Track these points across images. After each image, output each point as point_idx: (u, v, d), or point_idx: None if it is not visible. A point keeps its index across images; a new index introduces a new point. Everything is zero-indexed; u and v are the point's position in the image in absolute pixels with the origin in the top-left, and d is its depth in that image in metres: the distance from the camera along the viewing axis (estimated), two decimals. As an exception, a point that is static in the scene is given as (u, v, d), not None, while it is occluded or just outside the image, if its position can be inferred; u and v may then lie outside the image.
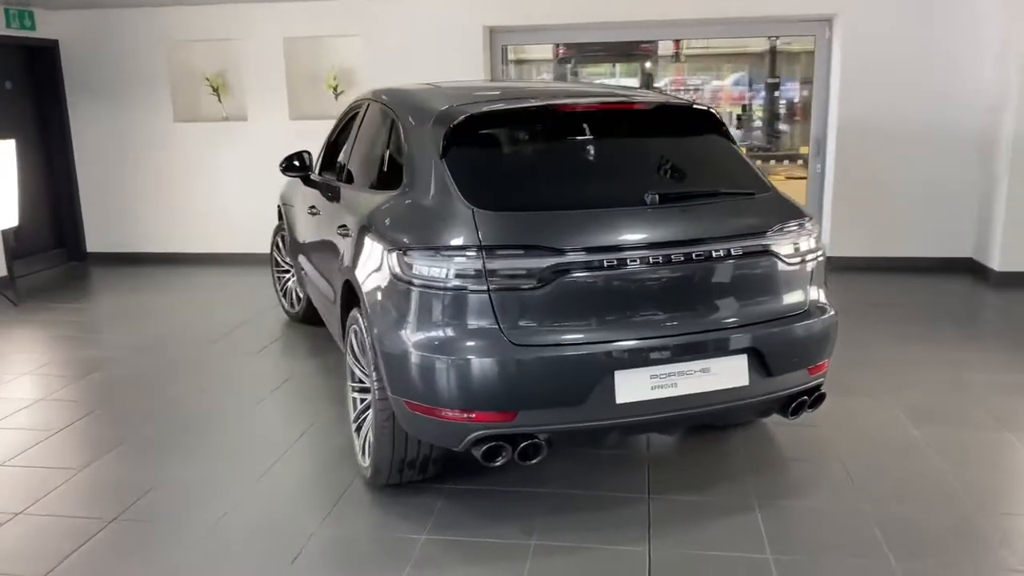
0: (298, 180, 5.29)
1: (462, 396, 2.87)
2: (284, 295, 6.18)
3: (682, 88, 11.00)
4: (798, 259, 3.18)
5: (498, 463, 2.93)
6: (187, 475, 3.67)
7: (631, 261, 2.88)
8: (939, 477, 3.52)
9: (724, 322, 3.02)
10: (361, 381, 3.64)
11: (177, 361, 5.28)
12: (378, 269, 3.16)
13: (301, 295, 5.85)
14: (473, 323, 2.86)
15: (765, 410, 3.23)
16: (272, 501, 3.43)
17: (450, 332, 2.89)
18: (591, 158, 3.30)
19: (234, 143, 8.15)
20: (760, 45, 13.95)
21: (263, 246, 8.06)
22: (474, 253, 2.85)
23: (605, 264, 2.87)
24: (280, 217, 6.17)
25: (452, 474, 3.54)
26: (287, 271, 6.13)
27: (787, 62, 15.14)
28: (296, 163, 5.05)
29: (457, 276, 2.86)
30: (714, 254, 2.98)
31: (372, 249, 3.26)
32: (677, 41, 14.97)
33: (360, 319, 3.37)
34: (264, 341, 5.66)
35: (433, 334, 2.92)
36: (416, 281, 2.94)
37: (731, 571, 2.88)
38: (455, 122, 3.24)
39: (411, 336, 2.96)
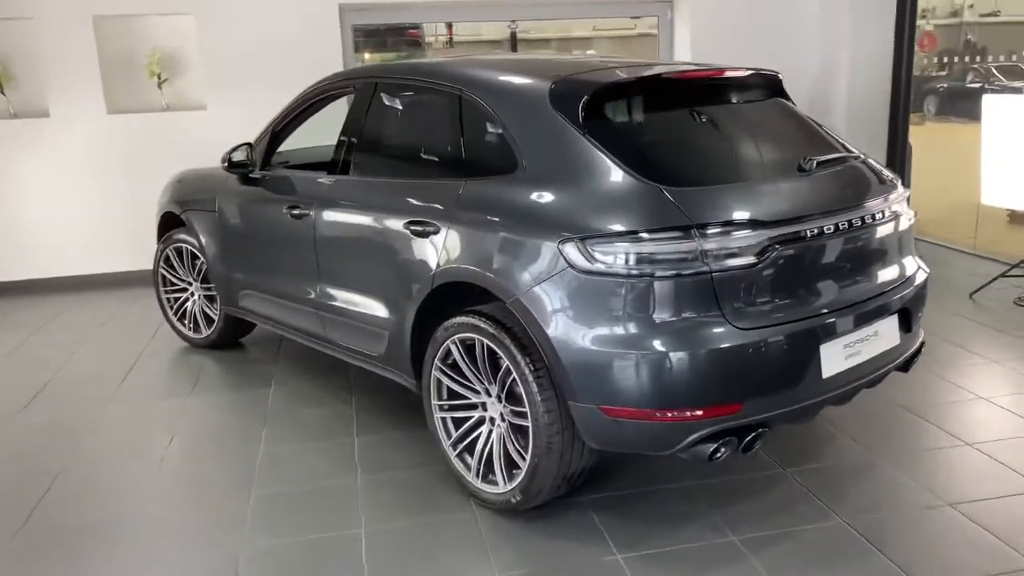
0: (223, 179, 4.50)
1: (688, 392, 2.60)
2: (183, 319, 5.21)
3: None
4: (908, 219, 3.30)
5: (717, 459, 2.70)
6: (268, 549, 2.97)
7: (826, 229, 2.79)
8: (990, 405, 3.86)
9: (885, 284, 3.04)
10: (459, 397, 3.19)
11: (92, 416, 4.21)
12: (538, 263, 2.75)
13: (215, 315, 4.98)
14: (692, 310, 2.60)
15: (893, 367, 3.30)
16: (421, 560, 2.86)
17: (664, 323, 2.59)
18: (728, 127, 3.13)
19: (33, 145, 6.69)
20: (502, 33, 14.35)
21: (95, 266, 6.84)
22: (686, 234, 2.58)
23: (808, 234, 2.75)
24: (166, 227, 5.19)
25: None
26: (184, 290, 5.18)
27: (526, 48, 15.77)
28: (242, 158, 4.28)
29: (669, 261, 2.58)
30: (876, 216, 2.99)
31: (516, 242, 2.84)
32: (450, 27, 14.93)
33: (485, 325, 2.93)
34: (186, 378, 4.73)
35: (643, 328, 2.60)
36: (612, 271, 2.61)
37: (935, 526, 2.93)
38: (589, 95, 2.91)
39: (616, 333, 2.62)
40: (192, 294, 5.14)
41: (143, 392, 4.52)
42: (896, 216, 3.13)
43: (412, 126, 3.70)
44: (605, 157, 2.78)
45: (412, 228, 3.25)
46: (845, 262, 2.91)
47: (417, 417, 3.90)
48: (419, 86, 3.55)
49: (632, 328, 2.61)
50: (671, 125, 3.05)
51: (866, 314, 2.92)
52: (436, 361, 3.21)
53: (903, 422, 3.75)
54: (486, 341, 2.96)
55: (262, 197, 4.25)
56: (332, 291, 3.81)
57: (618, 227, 2.62)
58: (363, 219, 3.56)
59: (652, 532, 2.94)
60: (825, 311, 2.80)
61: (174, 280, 5.20)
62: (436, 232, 3.14)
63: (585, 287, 2.65)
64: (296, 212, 3.92)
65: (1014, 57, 18.01)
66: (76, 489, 3.45)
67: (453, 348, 3.12)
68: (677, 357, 2.57)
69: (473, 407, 3.17)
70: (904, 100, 7.57)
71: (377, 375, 3.76)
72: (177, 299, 5.24)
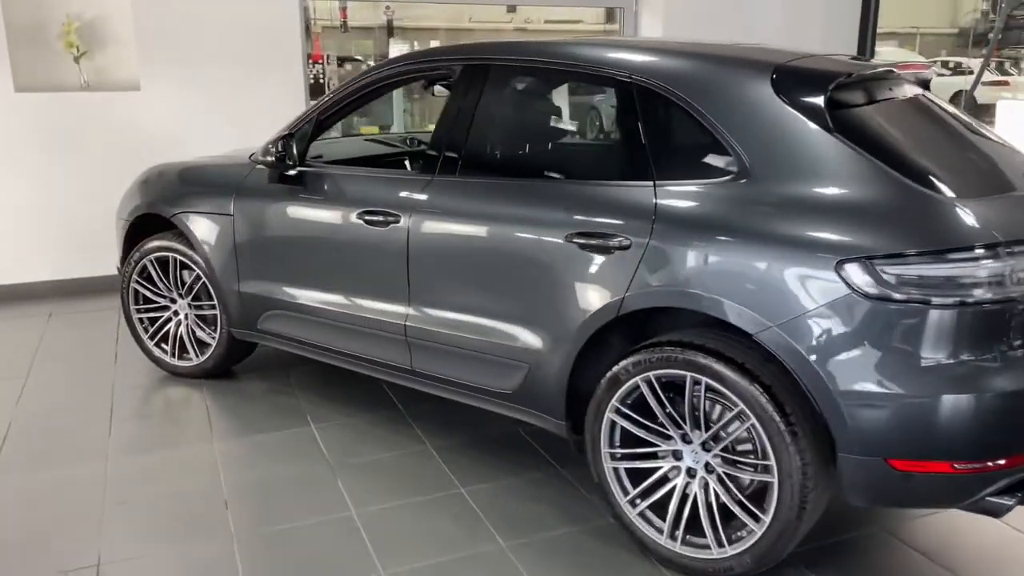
0: (241, 175, 3.75)
1: (996, 439, 2.24)
2: (163, 343, 4.29)
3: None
4: None
5: (1006, 512, 2.35)
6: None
7: None
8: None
9: None
10: (640, 444, 2.68)
11: (94, 477, 3.30)
12: (805, 287, 2.30)
13: (211, 339, 4.13)
14: (1002, 343, 2.23)
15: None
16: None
17: (971, 359, 2.21)
18: (947, 127, 2.78)
19: (-83, 127, 5.44)
20: (379, 20, 13.75)
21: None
22: (994, 253, 2.21)
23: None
24: (136, 233, 4.27)
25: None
26: (164, 308, 4.28)
27: (402, 35, 15.25)
28: (282, 151, 3.52)
29: (977, 285, 2.20)
30: None
31: (766, 262, 2.36)
32: (344, 9, 14.04)
33: (708, 361, 2.44)
34: (192, 417, 3.88)
35: (947, 365, 2.21)
36: (909, 298, 2.20)
37: None
38: (832, 88, 2.49)
39: (914, 372, 2.22)
40: (176, 313, 4.26)
41: (146, 439, 3.65)
42: None
43: (557, 119, 3.13)
44: (870, 161, 2.37)
45: (582, 242, 2.69)
46: None
47: (521, 459, 3.41)
48: (564, 71, 2.98)
49: (935, 365, 2.21)
50: (909, 125, 2.67)
51: None
52: (614, 401, 2.67)
53: None
54: (706, 380, 2.47)
55: (312, 200, 3.51)
56: (434, 315, 3.16)
57: (919, 246, 2.21)
58: (494, 230, 2.94)
59: (892, 591, 2.57)
60: None
61: (151, 296, 4.28)
62: (626, 248, 2.60)
63: (874, 317, 2.23)
64: (377, 220, 3.23)
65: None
66: (136, 585, 2.64)
67: (644, 387, 2.60)
68: (989, 398, 2.21)
69: (652, 456, 2.67)
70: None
71: (434, 404, 3.19)
72: (146, 321, 4.33)
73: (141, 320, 4.34)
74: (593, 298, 2.68)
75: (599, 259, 2.66)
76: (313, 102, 3.64)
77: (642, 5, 7.40)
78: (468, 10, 14.44)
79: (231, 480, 3.27)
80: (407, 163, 4.28)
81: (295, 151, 3.53)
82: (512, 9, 13.70)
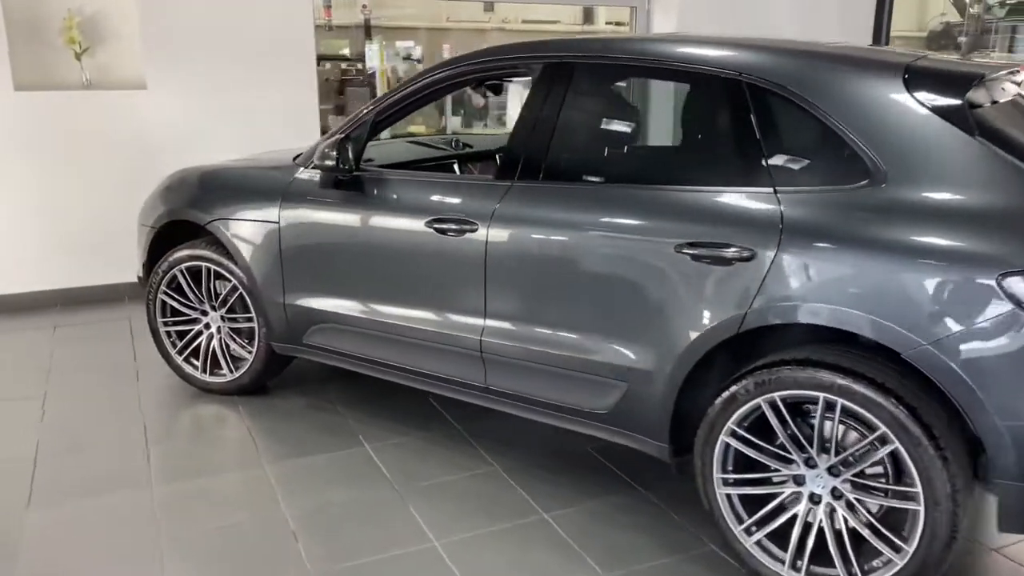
0: (286, 180, 3.52)
1: None
2: (195, 357, 4.02)
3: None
4: None
5: None
6: None
7: None
8: None
9: None
10: (755, 468, 2.51)
11: (140, 509, 3.05)
12: (961, 302, 2.15)
13: (246, 353, 3.88)
14: None
15: None
16: None
17: None
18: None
19: (-91, 127, 5.08)
20: (357, 19, 13.48)
21: None
22: None
23: None
24: (161, 241, 4.00)
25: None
26: (193, 320, 4.01)
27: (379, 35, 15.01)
28: (343, 156, 3.28)
29: None
30: None
31: (915, 274, 2.20)
32: (328, 8, 13.71)
33: (845, 382, 2.28)
34: (234, 438, 3.63)
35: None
36: (1080, 314, 2.06)
37: None
38: (972, 89, 2.35)
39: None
40: (208, 326, 3.99)
41: (189, 463, 3.39)
42: None
43: (651, 120, 2.93)
44: (1017, 165, 2.22)
45: (695, 252, 2.51)
46: None
47: (599, 480, 3.26)
48: (660, 69, 2.79)
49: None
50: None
51: None
52: (730, 423, 2.50)
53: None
54: (842, 401, 2.30)
55: (372, 207, 3.28)
56: (515, 329, 2.95)
57: (1088, 258, 2.07)
58: (587, 239, 2.75)
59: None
60: None
61: (181, 308, 4.01)
62: (748, 259, 2.43)
63: (1036, 332, 2.08)
64: (450, 228, 3.01)
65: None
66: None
67: (767, 408, 2.43)
68: None
69: (778, 481, 2.50)
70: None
71: (493, 420, 3.14)
72: (172, 335, 4.06)
73: (169, 334, 4.07)
74: (709, 313, 2.51)
75: (716, 271, 2.48)
76: (371, 102, 3.40)
77: (655, 4, 7.27)
78: (446, 10, 14.18)
79: (293, 508, 3.03)
80: (456, 167, 4.07)
81: (350, 154, 3.30)
82: (490, 8, 13.48)
